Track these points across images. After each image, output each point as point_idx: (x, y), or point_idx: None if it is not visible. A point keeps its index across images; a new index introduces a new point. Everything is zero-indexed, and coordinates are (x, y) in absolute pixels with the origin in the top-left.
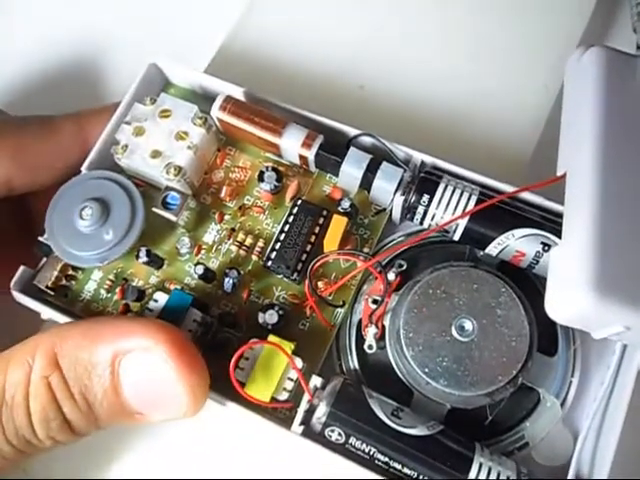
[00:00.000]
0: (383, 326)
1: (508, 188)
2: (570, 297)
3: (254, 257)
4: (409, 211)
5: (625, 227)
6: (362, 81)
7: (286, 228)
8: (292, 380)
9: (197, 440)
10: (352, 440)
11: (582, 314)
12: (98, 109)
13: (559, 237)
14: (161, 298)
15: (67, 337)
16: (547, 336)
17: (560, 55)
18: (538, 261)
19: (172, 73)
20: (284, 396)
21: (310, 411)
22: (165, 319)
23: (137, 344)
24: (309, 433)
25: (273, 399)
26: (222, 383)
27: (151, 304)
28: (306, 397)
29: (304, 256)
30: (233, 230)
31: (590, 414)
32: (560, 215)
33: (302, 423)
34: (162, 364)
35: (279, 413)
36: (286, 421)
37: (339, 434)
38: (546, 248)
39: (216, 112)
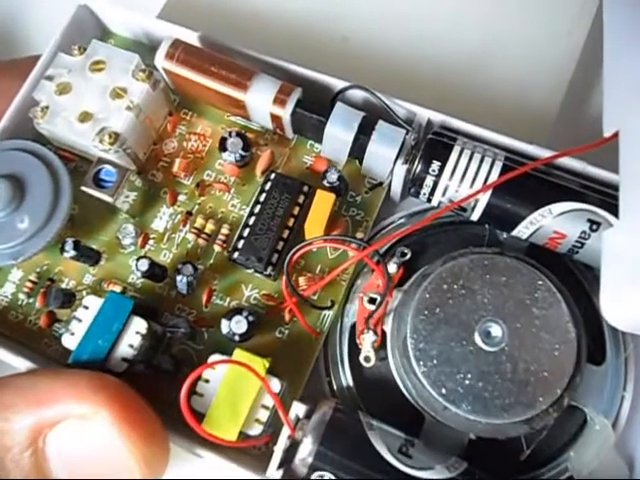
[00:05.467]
0: (383, 332)
1: (542, 152)
2: (638, 295)
3: (217, 248)
4: (414, 184)
5: None
6: (346, 32)
7: (257, 209)
8: (267, 408)
9: None
10: None
11: None
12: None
13: (612, 214)
14: (93, 304)
15: None
16: (592, 340)
17: None
18: (583, 244)
19: (109, 18)
20: (257, 430)
21: (292, 450)
22: (97, 331)
23: (68, 411)
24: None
25: (242, 435)
26: (175, 414)
27: (80, 312)
28: (286, 431)
29: (280, 245)
30: (190, 214)
31: None
32: (611, 185)
33: (281, 466)
34: (105, 434)
35: (251, 450)
36: (261, 460)
37: None
38: (594, 227)
39: (161, 61)
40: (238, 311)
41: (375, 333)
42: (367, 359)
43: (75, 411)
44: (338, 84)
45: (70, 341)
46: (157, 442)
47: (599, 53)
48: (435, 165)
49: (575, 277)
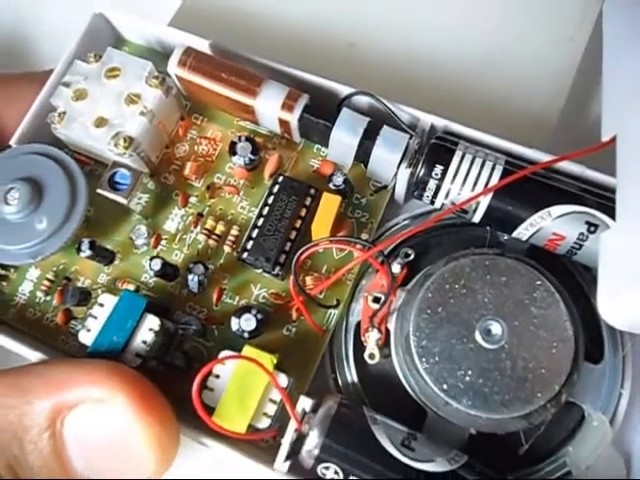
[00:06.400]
0: (387, 330)
1: (541, 156)
2: (634, 295)
3: (227, 248)
4: (417, 187)
5: None
6: (352, 39)
7: (265, 211)
8: (275, 402)
9: None
10: (353, 479)
11: None
12: (16, 76)
13: (610, 216)
14: (108, 302)
15: None
16: (590, 339)
17: (586, 4)
18: (581, 246)
19: (123, 26)
20: (265, 423)
21: (298, 442)
22: (112, 328)
23: (85, 395)
24: (298, 470)
25: (251, 428)
26: (187, 407)
27: (95, 310)
28: (293, 424)
29: (288, 245)
30: (200, 215)
31: None
32: (608, 188)
33: (288, 458)
34: (121, 417)
35: (259, 443)
36: (269, 453)
37: (336, 472)
38: (592, 229)
39: (174, 68)
40: (247, 309)
41: (379, 331)
42: (371, 356)
43: (93, 395)
44: (344, 90)
45: (86, 337)
46: (170, 427)
47: (599, 59)
48: (438, 169)
49: (574, 277)
